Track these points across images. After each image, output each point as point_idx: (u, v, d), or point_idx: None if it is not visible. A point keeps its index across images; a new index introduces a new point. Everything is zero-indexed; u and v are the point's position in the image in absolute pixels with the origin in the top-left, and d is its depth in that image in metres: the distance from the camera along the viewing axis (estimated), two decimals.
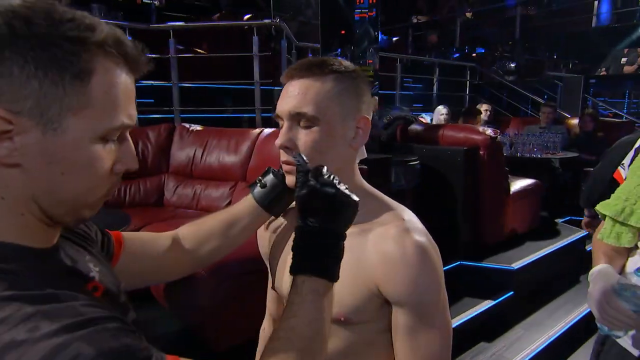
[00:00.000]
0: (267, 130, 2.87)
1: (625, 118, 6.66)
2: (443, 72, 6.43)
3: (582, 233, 3.54)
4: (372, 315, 0.74)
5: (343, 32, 4.01)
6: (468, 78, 6.57)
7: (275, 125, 0.75)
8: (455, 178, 3.04)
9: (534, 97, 6.24)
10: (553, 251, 3.18)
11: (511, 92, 6.97)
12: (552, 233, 3.53)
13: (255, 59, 3.50)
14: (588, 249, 3.66)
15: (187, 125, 3.20)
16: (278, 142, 0.73)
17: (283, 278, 0.85)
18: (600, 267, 0.99)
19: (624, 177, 1.07)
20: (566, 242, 3.33)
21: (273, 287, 0.90)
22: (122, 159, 0.54)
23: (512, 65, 8.51)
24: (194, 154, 3.01)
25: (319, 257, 0.60)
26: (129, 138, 0.55)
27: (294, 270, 0.61)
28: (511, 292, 2.79)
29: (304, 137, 0.72)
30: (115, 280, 0.66)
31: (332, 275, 0.61)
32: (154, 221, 2.48)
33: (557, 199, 4.28)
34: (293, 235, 0.67)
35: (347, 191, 0.62)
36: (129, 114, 0.52)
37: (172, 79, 3.66)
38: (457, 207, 3.06)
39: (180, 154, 3.07)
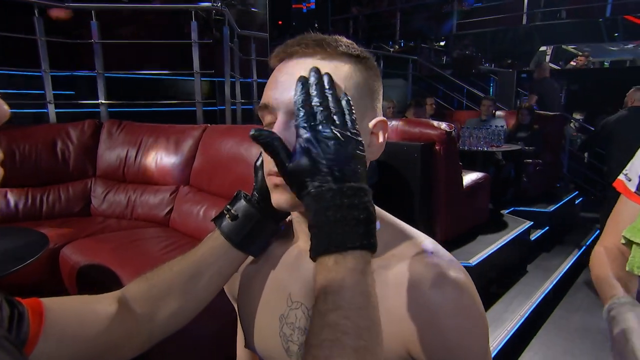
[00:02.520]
0: (213, 127, 2.58)
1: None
2: (385, 64, 6.42)
3: (528, 224, 3.66)
4: None
5: (280, 22, 3.82)
6: (411, 71, 6.62)
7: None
8: (412, 174, 2.96)
9: (472, 89, 6.43)
10: (504, 244, 3.23)
11: (447, 85, 7.13)
12: (501, 225, 3.59)
13: (194, 46, 3.16)
14: (532, 239, 3.80)
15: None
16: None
17: (262, 335, 0.63)
18: (619, 300, 0.77)
19: (633, 190, 0.89)
20: (514, 234, 3.40)
21: (246, 345, 0.68)
22: None
23: (447, 59, 8.80)
24: (127, 154, 2.64)
25: (350, 223, 0.44)
26: None
27: (318, 250, 0.44)
28: None
29: None
30: None
31: (371, 242, 0.45)
32: (79, 237, 2.10)
33: (500, 190, 4.41)
34: (275, 279, 0.60)
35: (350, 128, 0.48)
36: None
37: (96, 68, 3.20)
38: (414, 204, 2.98)
39: (110, 154, 2.68)
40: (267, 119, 0.54)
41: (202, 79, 3.26)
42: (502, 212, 3.96)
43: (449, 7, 7.80)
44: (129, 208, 2.51)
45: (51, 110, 3.07)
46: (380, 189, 2.95)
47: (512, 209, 4.16)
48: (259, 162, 0.63)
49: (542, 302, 3.01)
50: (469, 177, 3.40)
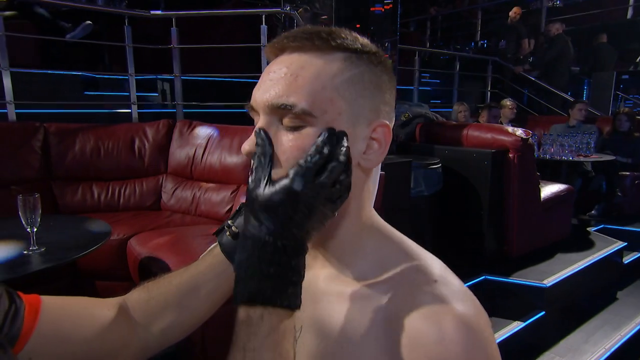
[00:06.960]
0: None
1: None
2: (463, 66, 6.08)
3: (620, 244, 3.22)
4: None
5: (358, 25, 3.75)
6: (490, 73, 6.20)
7: (250, 121, 0.47)
8: (481, 183, 2.75)
9: (562, 94, 5.84)
10: (588, 265, 2.87)
11: (533, 88, 6.57)
12: (586, 244, 3.21)
13: (263, 50, 3.24)
14: (626, 262, 3.34)
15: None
16: (245, 146, 0.48)
17: None
18: None
19: None
20: (602, 255, 3.01)
21: None
22: None
23: (534, 59, 8.08)
24: (194, 153, 2.77)
25: (282, 281, 0.43)
26: None
27: (244, 298, 0.43)
28: (542, 312, 2.50)
29: (288, 143, 0.46)
30: None
31: (297, 302, 0.44)
32: (145, 229, 2.24)
33: (589, 205, 3.94)
34: None
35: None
36: None
37: (174, 71, 3.42)
38: (482, 215, 2.77)
39: (180, 152, 2.84)
40: (256, 119, 0.50)
41: None
42: (588, 229, 3.54)
43: (538, 4, 7.19)
44: (193, 204, 2.64)
45: (134, 110, 3.34)
46: (444, 197, 2.79)
47: (601, 226, 3.70)
48: None
49: (635, 336, 2.62)
50: (549, 189, 3.08)
